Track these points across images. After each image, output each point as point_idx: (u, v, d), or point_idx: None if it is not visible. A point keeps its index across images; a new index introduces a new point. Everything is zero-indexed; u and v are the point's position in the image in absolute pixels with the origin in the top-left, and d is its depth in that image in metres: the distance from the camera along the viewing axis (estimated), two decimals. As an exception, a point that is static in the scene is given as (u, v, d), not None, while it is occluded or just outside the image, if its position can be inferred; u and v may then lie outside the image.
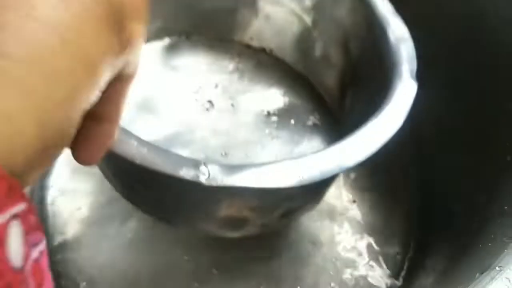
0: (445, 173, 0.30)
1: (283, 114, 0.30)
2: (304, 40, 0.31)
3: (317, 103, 0.31)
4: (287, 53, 0.32)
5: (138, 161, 0.15)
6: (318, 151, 0.18)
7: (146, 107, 0.27)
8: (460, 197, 0.28)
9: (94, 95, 0.11)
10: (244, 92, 0.30)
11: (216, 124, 0.28)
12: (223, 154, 0.27)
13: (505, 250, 0.19)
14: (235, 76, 0.31)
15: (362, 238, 0.29)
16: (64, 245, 0.28)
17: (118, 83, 0.13)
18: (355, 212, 0.30)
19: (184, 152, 0.25)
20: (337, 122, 0.30)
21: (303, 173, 0.17)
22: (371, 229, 0.30)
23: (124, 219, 0.28)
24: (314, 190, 0.21)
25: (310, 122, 0.30)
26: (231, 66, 0.31)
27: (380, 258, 0.29)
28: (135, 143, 0.16)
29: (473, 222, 0.24)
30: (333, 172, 0.17)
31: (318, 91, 0.31)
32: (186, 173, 0.15)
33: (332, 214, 0.30)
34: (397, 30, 0.24)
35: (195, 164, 0.16)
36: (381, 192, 0.31)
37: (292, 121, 0.29)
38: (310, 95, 0.31)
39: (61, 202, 0.29)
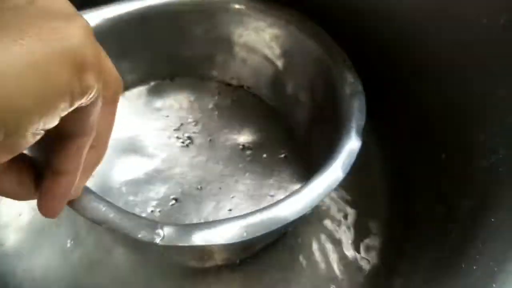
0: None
1: (257, 148, 0.33)
2: (277, 81, 0.34)
3: (288, 137, 0.34)
4: (263, 91, 0.35)
5: (104, 226, 0.18)
6: (263, 208, 0.21)
7: (130, 146, 0.31)
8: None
9: (46, 124, 0.13)
10: (221, 128, 0.33)
11: (194, 160, 0.31)
12: (199, 188, 0.30)
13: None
14: (215, 113, 0.34)
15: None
16: (2, 256, 0.27)
17: (74, 143, 0.15)
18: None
19: (163, 188, 0.29)
20: (305, 154, 0.33)
21: (248, 229, 0.20)
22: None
23: (70, 226, 0.28)
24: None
25: (281, 155, 0.33)
26: (211, 103, 0.34)
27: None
28: (103, 208, 0.19)
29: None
30: (274, 227, 0.20)
31: (290, 126, 0.34)
32: (144, 235, 0.18)
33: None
34: (352, 85, 0.27)
35: (152, 226, 0.19)
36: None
37: (265, 155, 0.32)
38: (282, 129, 0.34)
39: None
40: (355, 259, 0.29)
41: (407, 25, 0.28)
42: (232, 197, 0.30)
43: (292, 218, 0.21)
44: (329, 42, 0.29)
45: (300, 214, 0.21)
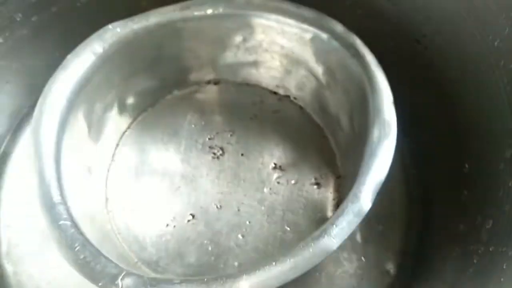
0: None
1: (289, 170, 0.30)
2: (321, 97, 0.30)
3: (325, 162, 0.31)
4: (308, 104, 0.32)
5: (72, 267, 0.19)
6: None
7: (163, 149, 0.31)
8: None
9: None
10: (257, 142, 0.31)
11: (221, 174, 0.30)
12: (218, 206, 0.29)
13: None
14: (254, 124, 0.32)
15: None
16: (18, 256, 0.28)
17: None
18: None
19: (184, 200, 0.29)
20: (337, 187, 0.30)
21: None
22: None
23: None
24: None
25: (312, 182, 0.30)
26: (252, 112, 0.32)
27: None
28: (77, 247, 0.20)
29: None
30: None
31: (331, 149, 0.31)
32: (103, 284, 0.19)
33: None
34: (384, 125, 0.23)
35: (113, 278, 0.19)
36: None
37: (294, 180, 0.30)
38: (321, 152, 0.31)
39: (16, 210, 0.30)
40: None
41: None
42: (249, 223, 0.29)
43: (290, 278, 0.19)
44: (372, 65, 0.25)
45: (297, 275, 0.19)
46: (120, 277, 0.19)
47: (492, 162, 0.23)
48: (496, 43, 0.22)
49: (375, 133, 0.23)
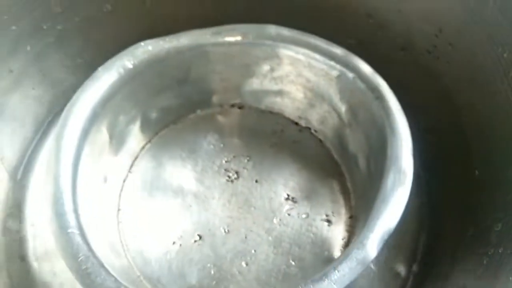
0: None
1: (301, 202, 0.30)
2: (342, 134, 0.30)
3: (339, 200, 0.30)
4: (329, 139, 0.32)
5: (72, 274, 0.20)
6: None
7: (180, 165, 0.31)
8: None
9: None
10: (273, 170, 0.31)
11: (233, 198, 0.30)
12: (226, 231, 0.29)
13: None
14: (271, 151, 0.32)
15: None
16: (44, 256, 0.29)
17: None
18: None
19: (194, 219, 0.29)
20: (348, 227, 0.29)
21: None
22: None
23: None
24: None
25: (323, 218, 0.30)
26: (271, 140, 0.33)
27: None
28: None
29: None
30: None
31: (346, 188, 0.31)
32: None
33: None
34: (400, 174, 0.22)
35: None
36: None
37: (306, 214, 0.30)
38: (336, 189, 0.31)
39: (41, 210, 0.29)
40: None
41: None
42: (254, 251, 0.28)
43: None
44: (394, 110, 0.25)
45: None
46: (118, 295, 0.19)
47: (501, 168, 0.24)
48: (505, 55, 0.23)
49: (390, 179, 0.23)
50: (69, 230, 0.21)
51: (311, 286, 0.19)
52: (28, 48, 0.29)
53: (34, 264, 0.29)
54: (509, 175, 0.24)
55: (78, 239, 0.21)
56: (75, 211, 0.22)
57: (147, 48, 0.27)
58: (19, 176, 0.31)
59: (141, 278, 0.27)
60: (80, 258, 0.20)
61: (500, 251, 0.22)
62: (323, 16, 0.28)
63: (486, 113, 0.26)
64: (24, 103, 0.31)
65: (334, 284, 0.19)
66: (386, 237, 0.21)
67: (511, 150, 0.24)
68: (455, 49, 0.26)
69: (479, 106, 0.26)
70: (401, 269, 0.28)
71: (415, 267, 0.28)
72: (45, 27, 0.29)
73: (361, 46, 0.29)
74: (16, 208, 0.30)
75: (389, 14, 0.28)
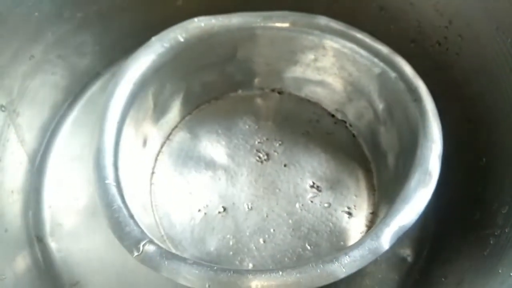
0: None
1: (325, 192, 0.31)
2: (375, 132, 0.31)
3: (363, 195, 0.31)
4: (362, 135, 0.32)
5: (105, 221, 0.22)
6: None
7: (214, 142, 0.33)
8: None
9: None
10: (302, 157, 0.32)
11: (260, 178, 0.32)
12: (249, 207, 0.30)
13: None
14: (304, 140, 0.33)
15: None
16: (61, 235, 0.30)
17: None
18: None
19: (221, 192, 0.31)
20: (368, 222, 0.30)
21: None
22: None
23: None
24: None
25: (345, 210, 0.30)
26: (305, 128, 0.33)
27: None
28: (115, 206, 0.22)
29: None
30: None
31: (371, 185, 0.31)
32: (127, 245, 0.21)
33: None
34: (424, 177, 0.23)
35: (137, 241, 0.21)
36: None
37: (328, 203, 0.31)
38: (362, 184, 0.31)
39: (59, 191, 0.32)
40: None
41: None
42: (273, 231, 0.30)
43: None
44: (430, 114, 0.25)
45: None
46: (143, 243, 0.21)
47: (507, 155, 0.25)
48: None
49: (415, 179, 0.23)
50: (107, 181, 0.23)
51: (321, 265, 0.20)
52: (49, 34, 0.30)
53: (52, 245, 0.30)
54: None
55: (113, 190, 0.23)
56: (115, 165, 0.24)
57: (199, 24, 0.29)
58: (38, 159, 0.32)
59: (165, 238, 0.29)
60: (113, 207, 0.22)
61: (506, 231, 0.23)
62: (336, 7, 0.29)
63: (494, 103, 0.26)
64: (44, 88, 0.32)
65: (343, 268, 0.20)
66: (401, 233, 0.21)
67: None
68: (465, 41, 0.27)
69: (488, 96, 0.27)
70: (408, 253, 0.29)
71: (422, 251, 0.29)
72: (65, 14, 0.30)
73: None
74: (35, 190, 0.32)
75: (401, 6, 0.30)
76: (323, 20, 0.29)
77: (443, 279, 0.27)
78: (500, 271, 0.22)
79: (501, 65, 0.25)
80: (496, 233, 0.24)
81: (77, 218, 0.31)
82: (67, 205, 0.31)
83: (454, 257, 0.27)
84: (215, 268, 0.20)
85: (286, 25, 0.30)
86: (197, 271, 0.20)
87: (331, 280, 0.20)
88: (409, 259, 0.29)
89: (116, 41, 0.29)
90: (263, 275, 0.20)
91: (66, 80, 0.33)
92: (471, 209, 0.27)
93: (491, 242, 0.24)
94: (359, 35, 0.28)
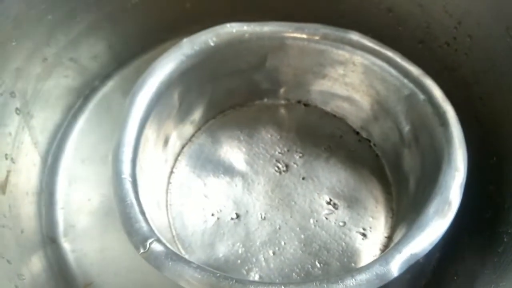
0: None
1: (341, 211, 0.30)
2: (399, 154, 0.30)
3: (382, 215, 0.30)
4: (385, 155, 0.32)
5: (117, 214, 0.22)
6: None
7: (235, 149, 0.33)
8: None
9: None
10: (322, 172, 0.32)
11: (277, 189, 0.31)
12: (262, 217, 0.30)
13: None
14: (325, 155, 0.33)
15: None
16: (74, 236, 0.30)
17: None
18: None
19: (236, 199, 0.31)
20: (381, 247, 0.29)
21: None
22: None
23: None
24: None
25: (360, 231, 0.30)
26: (327, 144, 0.33)
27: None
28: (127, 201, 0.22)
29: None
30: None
31: (390, 209, 0.30)
32: (134, 241, 0.21)
33: None
34: (444, 207, 0.22)
35: (145, 239, 0.21)
36: None
37: (343, 222, 0.30)
38: (380, 207, 0.30)
39: (71, 193, 0.32)
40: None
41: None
42: (284, 244, 0.29)
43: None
44: (456, 140, 0.24)
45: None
46: (150, 241, 0.21)
47: None
48: None
49: (433, 207, 0.22)
50: (123, 176, 0.23)
51: (325, 285, 0.19)
52: (62, 37, 0.30)
53: (65, 245, 0.30)
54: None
55: (128, 185, 0.23)
56: (133, 161, 0.25)
57: (231, 30, 0.29)
58: (50, 161, 0.33)
59: (175, 238, 0.29)
60: (126, 202, 0.22)
61: None
62: (343, 9, 0.29)
63: (504, 103, 0.26)
64: (56, 90, 0.32)
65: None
66: (412, 262, 0.20)
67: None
68: (474, 41, 0.27)
69: (497, 96, 0.27)
70: None
71: (434, 250, 0.27)
72: (78, 17, 0.31)
73: (379, 39, 0.29)
74: (47, 191, 0.32)
75: (409, 8, 0.30)
76: (354, 36, 0.29)
77: (455, 277, 0.26)
78: None
79: (510, 65, 0.25)
80: (509, 231, 0.24)
81: (90, 219, 0.31)
82: (80, 206, 0.32)
83: (466, 256, 0.27)
84: (218, 275, 0.20)
85: (317, 37, 0.29)
86: (199, 276, 0.20)
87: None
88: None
89: (127, 43, 0.29)
90: (260, 285, 0.20)
91: (77, 82, 0.34)
92: (483, 208, 0.27)
93: (505, 239, 0.24)
94: (390, 54, 0.28)
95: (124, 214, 0.22)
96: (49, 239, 0.30)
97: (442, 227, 0.21)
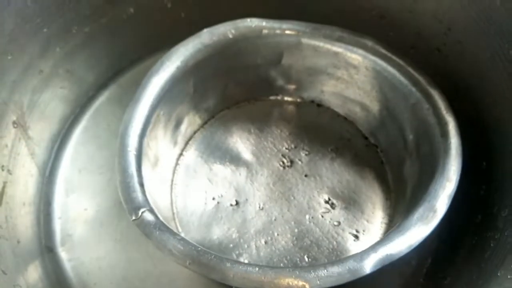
0: None
1: (339, 211, 0.31)
2: (402, 161, 0.30)
3: (378, 220, 0.30)
4: (390, 162, 0.32)
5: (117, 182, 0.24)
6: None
7: (249, 133, 0.34)
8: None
9: None
10: (325, 172, 0.32)
11: (278, 182, 0.32)
12: (260, 207, 0.31)
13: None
14: (330, 155, 0.33)
15: None
16: (71, 245, 0.31)
17: None
18: None
19: (238, 187, 0.32)
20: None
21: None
22: None
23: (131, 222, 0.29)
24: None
25: (353, 232, 0.30)
26: (334, 145, 0.33)
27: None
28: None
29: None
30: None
31: (387, 215, 0.30)
32: (129, 208, 0.23)
33: None
34: (429, 215, 0.22)
35: (138, 207, 0.23)
36: None
37: (338, 222, 0.30)
38: (379, 209, 0.31)
39: (68, 202, 0.32)
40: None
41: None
42: (277, 235, 0.30)
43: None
44: (453, 151, 0.24)
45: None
46: (142, 210, 0.23)
47: (507, 158, 0.26)
48: (511, 52, 0.25)
49: (418, 213, 0.22)
50: (128, 149, 0.25)
51: (297, 272, 0.20)
52: (58, 49, 0.30)
53: (62, 255, 0.31)
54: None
55: (132, 158, 0.25)
56: (140, 137, 0.26)
57: (250, 24, 0.30)
58: (47, 171, 0.33)
59: (175, 216, 0.31)
60: (127, 172, 0.24)
61: (506, 234, 0.24)
62: (336, 16, 0.30)
63: (494, 108, 0.27)
64: (53, 101, 0.32)
65: (318, 280, 0.20)
66: (387, 262, 0.21)
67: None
68: (464, 47, 0.28)
69: (487, 101, 0.27)
70: (412, 256, 0.28)
71: (426, 254, 0.29)
72: (73, 29, 0.31)
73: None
74: (45, 202, 0.32)
75: (400, 14, 0.30)
76: (369, 42, 0.29)
77: (445, 281, 0.27)
78: (499, 274, 0.22)
79: (500, 70, 0.25)
80: (496, 236, 0.24)
81: (86, 228, 0.31)
82: (77, 216, 0.32)
83: (457, 260, 0.27)
84: (199, 249, 0.21)
85: (332, 39, 0.30)
86: (182, 248, 0.21)
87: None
88: (413, 262, 0.28)
89: (122, 53, 0.30)
90: (240, 267, 0.21)
91: (74, 93, 0.34)
92: (473, 213, 0.28)
93: (492, 245, 0.24)
94: (402, 62, 0.28)
95: (123, 183, 0.24)
96: (46, 249, 0.30)
97: (424, 233, 0.21)
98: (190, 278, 0.29)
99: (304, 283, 0.20)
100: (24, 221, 0.30)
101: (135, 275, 0.30)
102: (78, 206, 0.32)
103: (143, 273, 0.30)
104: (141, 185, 0.24)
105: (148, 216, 0.23)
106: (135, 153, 0.25)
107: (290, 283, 0.20)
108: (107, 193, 0.32)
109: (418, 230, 0.22)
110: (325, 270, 0.20)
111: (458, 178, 0.23)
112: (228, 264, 0.21)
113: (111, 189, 0.32)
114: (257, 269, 0.21)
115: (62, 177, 0.33)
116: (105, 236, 0.31)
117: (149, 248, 0.30)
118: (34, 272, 0.29)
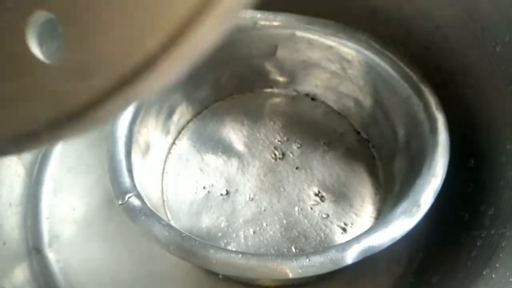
0: None
1: (328, 203, 0.31)
2: (393, 157, 0.30)
3: (366, 214, 0.30)
4: (381, 158, 0.32)
5: (106, 167, 0.24)
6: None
7: (242, 125, 0.34)
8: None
9: None
10: (316, 165, 0.33)
11: (269, 173, 0.32)
12: (250, 198, 0.31)
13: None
14: (322, 149, 0.33)
15: None
16: (59, 246, 0.30)
17: None
18: None
19: (229, 177, 0.32)
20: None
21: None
22: None
23: (120, 222, 0.29)
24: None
25: (341, 225, 0.30)
26: (326, 139, 0.34)
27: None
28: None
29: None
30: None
31: (378, 211, 0.30)
32: (116, 192, 0.23)
33: None
34: (413, 209, 0.22)
35: (125, 192, 0.23)
36: None
37: (327, 214, 0.31)
38: (368, 204, 0.31)
39: (56, 202, 0.32)
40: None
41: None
42: (265, 225, 0.30)
43: None
44: (440, 148, 0.24)
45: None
46: (129, 195, 0.23)
47: (494, 156, 0.26)
48: (497, 49, 0.25)
49: (402, 207, 0.23)
50: (118, 135, 0.25)
51: (279, 260, 0.20)
52: None
53: (50, 256, 0.30)
54: (502, 161, 0.26)
55: (121, 145, 0.25)
56: (130, 124, 0.26)
57: (244, 16, 0.30)
58: (35, 172, 0.33)
59: (165, 204, 0.31)
60: (116, 158, 0.24)
61: (492, 233, 0.24)
62: (326, 14, 0.30)
63: (481, 106, 0.27)
64: None
65: (299, 269, 0.20)
66: (369, 253, 0.21)
67: (503, 138, 0.26)
68: (452, 44, 0.28)
69: (474, 99, 0.28)
70: (403, 255, 0.29)
71: (416, 253, 0.29)
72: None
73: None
74: (32, 202, 0.32)
75: (390, 11, 0.30)
76: (363, 36, 0.29)
77: (432, 280, 0.27)
78: (484, 273, 0.22)
79: (486, 67, 0.26)
80: (482, 235, 0.25)
81: (75, 229, 0.31)
82: (65, 216, 0.32)
83: (447, 259, 0.27)
84: (184, 235, 0.22)
85: (327, 33, 0.30)
86: (166, 233, 0.22)
87: (284, 277, 0.20)
88: (403, 261, 0.29)
89: None
90: (224, 253, 0.21)
91: None
92: (461, 211, 0.28)
93: (478, 244, 0.25)
94: (395, 58, 0.28)
95: (112, 169, 0.24)
96: (34, 250, 0.30)
97: (406, 227, 0.22)
98: (179, 278, 0.30)
99: (286, 271, 0.20)
100: (10, 222, 0.30)
101: (123, 276, 0.30)
102: (66, 206, 0.32)
103: (132, 274, 0.30)
104: (129, 171, 0.24)
105: (135, 201, 0.23)
106: (124, 139, 0.26)
107: (272, 270, 0.20)
108: (96, 192, 0.32)
109: (402, 223, 0.22)
110: (307, 259, 0.20)
111: (445, 174, 0.23)
112: (212, 250, 0.21)
113: (100, 189, 0.32)
114: (240, 255, 0.21)
115: (50, 177, 0.33)
116: (94, 236, 0.31)
117: (138, 249, 0.30)
118: (20, 274, 0.28)
